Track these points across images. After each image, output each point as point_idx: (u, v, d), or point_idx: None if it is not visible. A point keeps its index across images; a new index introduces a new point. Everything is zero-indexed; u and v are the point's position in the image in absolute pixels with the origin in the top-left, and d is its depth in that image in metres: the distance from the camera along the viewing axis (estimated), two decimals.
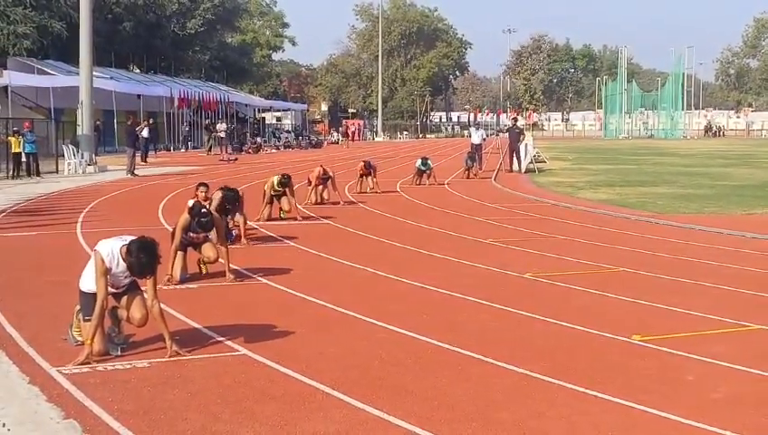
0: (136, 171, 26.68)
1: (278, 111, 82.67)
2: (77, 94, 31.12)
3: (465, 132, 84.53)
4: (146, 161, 33.06)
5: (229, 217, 11.06)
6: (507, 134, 31.18)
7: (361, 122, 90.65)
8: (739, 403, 5.08)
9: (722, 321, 7.11)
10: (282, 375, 5.55)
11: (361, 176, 19.98)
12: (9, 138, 24.57)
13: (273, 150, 51.00)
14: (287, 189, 13.93)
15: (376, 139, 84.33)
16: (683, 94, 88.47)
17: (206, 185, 10.97)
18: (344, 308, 7.49)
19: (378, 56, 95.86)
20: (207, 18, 66.67)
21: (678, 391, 5.30)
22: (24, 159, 25.04)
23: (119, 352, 5.97)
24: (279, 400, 5.06)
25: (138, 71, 62.61)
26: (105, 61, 51.50)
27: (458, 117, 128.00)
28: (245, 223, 11.69)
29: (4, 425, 4.66)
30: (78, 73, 32.74)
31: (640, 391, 5.22)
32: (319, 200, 16.75)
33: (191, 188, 13.11)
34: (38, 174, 25.08)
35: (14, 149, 24.55)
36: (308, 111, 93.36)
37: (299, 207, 14.75)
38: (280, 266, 9.62)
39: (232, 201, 10.69)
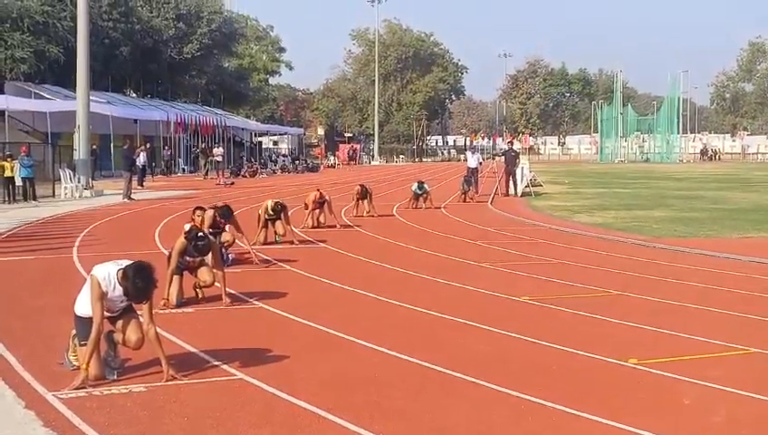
0: (132, 195, 26.67)
1: (275, 135, 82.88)
2: (74, 119, 31.16)
3: (462, 156, 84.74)
4: (142, 186, 33.07)
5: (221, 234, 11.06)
6: (503, 158, 31.30)
7: (358, 146, 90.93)
8: (738, 427, 5.08)
9: (719, 344, 7.11)
10: (278, 399, 5.54)
11: (357, 200, 20.01)
12: (2, 162, 24.54)
13: (271, 174, 51.03)
14: (282, 215, 13.99)
15: (372, 162, 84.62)
16: (678, 118, 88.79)
17: (202, 209, 11.04)
18: (340, 332, 7.49)
19: (374, 80, 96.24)
20: (204, 43, 66.87)
21: (676, 414, 5.29)
22: (18, 183, 25.02)
23: (115, 377, 5.97)
24: (276, 424, 5.05)
25: (134, 95, 62.66)
26: (102, 85, 51.61)
27: (454, 141, 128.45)
28: (242, 237, 11.67)
29: None
30: (75, 98, 32.80)
31: (638, 415, 5.21)
32: (315, 224, 16.76)
33: (187, 212, 13.13)
34: (35, 198, 25.03)
35: (7, 174, 24.53)
36: (304, 135, 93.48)
37: (295, 230, 14.76)
38: (276, 290, 9.61)
39: (225, 215, 10.81)
